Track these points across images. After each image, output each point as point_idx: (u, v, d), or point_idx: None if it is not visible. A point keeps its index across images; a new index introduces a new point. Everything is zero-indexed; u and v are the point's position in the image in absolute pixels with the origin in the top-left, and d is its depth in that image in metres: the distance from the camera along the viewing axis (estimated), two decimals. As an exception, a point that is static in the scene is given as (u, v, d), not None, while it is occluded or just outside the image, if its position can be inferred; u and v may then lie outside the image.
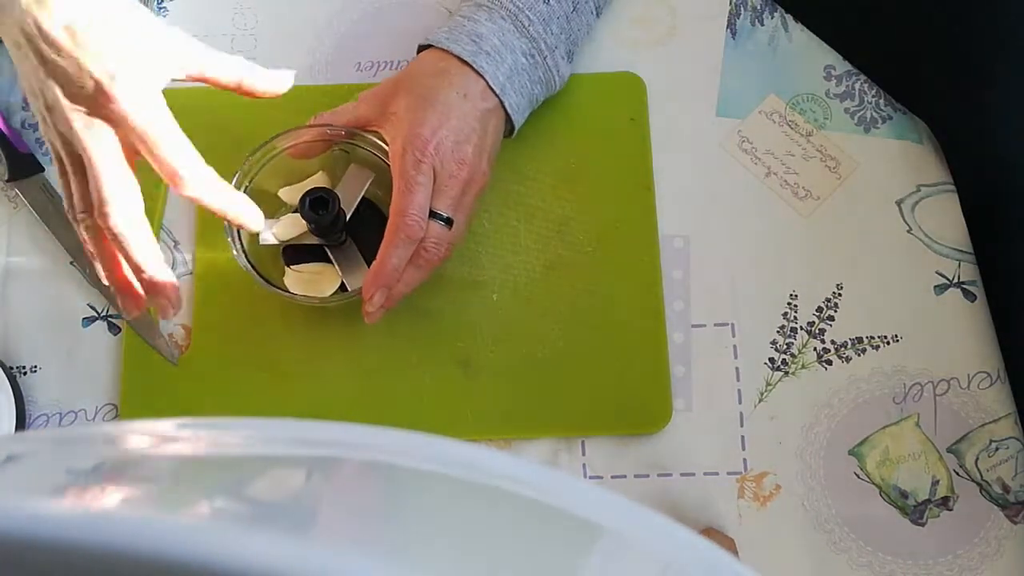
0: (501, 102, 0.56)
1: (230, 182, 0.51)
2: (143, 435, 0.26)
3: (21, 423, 0.58)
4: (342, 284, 0.58)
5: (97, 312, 0.61)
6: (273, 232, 0.58)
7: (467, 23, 0.57)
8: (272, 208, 0.59)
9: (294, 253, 0.59)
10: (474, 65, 0.55)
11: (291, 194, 0.59)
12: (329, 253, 0.59)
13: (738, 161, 0.63)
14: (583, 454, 0.59)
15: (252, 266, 0.55)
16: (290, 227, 0.58)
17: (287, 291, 0.57)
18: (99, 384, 0.60)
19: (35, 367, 0.60)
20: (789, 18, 0.65)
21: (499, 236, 0.61)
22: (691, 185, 0.63)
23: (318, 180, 0.59)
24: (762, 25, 0.65)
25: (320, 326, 0.60)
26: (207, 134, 0.63)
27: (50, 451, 0.25)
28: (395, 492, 0.25)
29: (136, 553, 0.17)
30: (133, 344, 0.60)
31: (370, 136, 0.57)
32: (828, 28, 0.65)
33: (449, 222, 0.54)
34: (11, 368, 0.60)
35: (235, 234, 0.56)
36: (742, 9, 0.65)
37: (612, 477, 0.59)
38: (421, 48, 0.59)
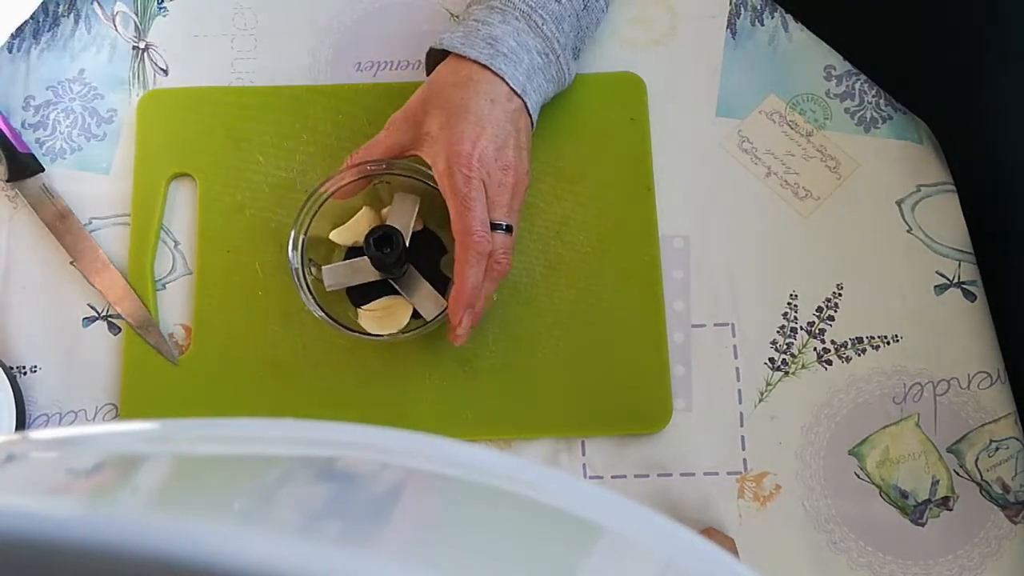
0: (524, 102, 0.56)
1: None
2: (143, 435, 0.26)
3: (21, 423, 0.58)
4: (414, 311, 0.59)
5: (97, 312, 0.61)
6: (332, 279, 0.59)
7: (481, 27, 0.56)
8: (327, 252, 0.60)
9: (359, 292, 0.59)
10: (493, 68, 0.55)
11: (342, 235, 0.59)
12: (395, 285, 0.59)
13: (738, 161, 0.63)
14: (583, 454, 0.59)
15: (328, 315, 0.55)
16: (351, 269, 0.59)
17: (366, 333, 0.57)
18: (99, 384, 0.60)
19: (35, 367, 0.60)
20: (789, 18, 0.65)
21: (499, 236, 0.61)
22: (691, 185, 0.63)
23: (365, 215, 0.60)
24: (762, 25, 0.65)
25: (320, 326, 0.60)
26: (208, 134, 0.63)
27: (50, 451, 0.25)
28: (395, 493, 0.25)
29: (136, 553, 0.17)
30: (133, 344, 0.60)
31: (407, 161, 0.57)
32: (828, 28, 0.65)
33: (509, 229, 0.55)
34: (11, 368, 0.60)
35: (305, 285, 0.56)
36: (742, 9, 0.65)
37: (612, 477, 0.59)
38: (432, 53, 0.58)
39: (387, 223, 0.57)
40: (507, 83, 0.55)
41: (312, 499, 0.24)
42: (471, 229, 0.52)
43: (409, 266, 0.59)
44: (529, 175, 0.57)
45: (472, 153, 0.53)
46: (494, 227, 0.54)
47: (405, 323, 0.58)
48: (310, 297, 0.56)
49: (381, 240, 0.55)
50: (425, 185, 0.57)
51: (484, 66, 0.55)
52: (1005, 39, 0.63)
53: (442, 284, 0.59)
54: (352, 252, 0.60)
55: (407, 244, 0.57)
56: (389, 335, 0.57)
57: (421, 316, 0.58)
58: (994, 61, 0.64)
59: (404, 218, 0.58)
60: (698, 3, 0.65)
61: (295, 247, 0.56)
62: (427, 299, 0.58)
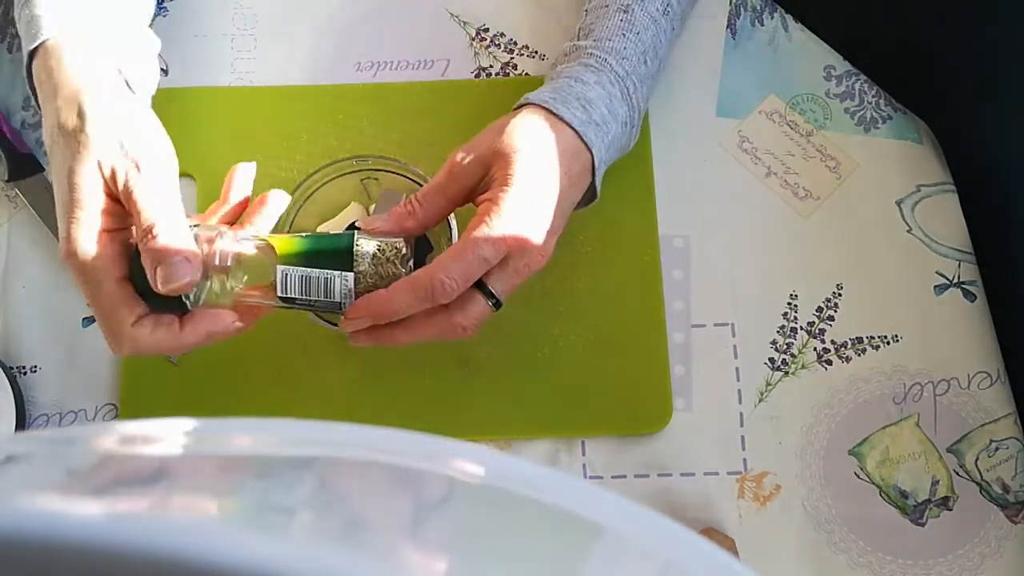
0: (593, 181, 0.53)
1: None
2: (143, 435, 0.26)
3: (21, 423, 0.58)
4: None
5: (97, 312, 0.61)
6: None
7: (575, 85, 0.53)
8: None
9: None
10: (583, 137, 0.51)
11: (329, 229, 0.59)
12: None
13: (738, 161, 0.63)
14: (583, 454, 0.59)
15: (328, 322, 0.55)
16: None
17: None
18: (99, 384, 0.60)
19: (35, 367, 0.60)
20: (789, 18, 0.65)
21: (499, 236, 0.61)
22: (691, 185, 0.63)
23: (353, 211, 0.60)
24: (762, 25, 0.65)
25: (319, 327, 0.60)
26: (208, 134, 0.63)
27: (50, 451, 0.25)
28: (394, 493, 0.25)
29: (137, 553, 0.17)
30: (133, 344, 0.60)
31: (396, 160, 0.57)
32: (828, 28, 0.65)
33: (498, 305, 0.50)
34: (11, 368, 0.60)
35: None
36: (742, 9, 0.65)
37: (612, 477, 0.59)
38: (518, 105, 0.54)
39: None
40: (592, 158, 0.52)
41: (310, 499, 0.24)
42: (448, 273, 0.47)
43: None
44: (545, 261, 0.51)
45: (536, 247, 0.49)
46: (486, 293, 0.49)
47: None
48: None
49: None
50: (413, 183, 0.57)
51: (575, 131, 0.51)
52: (1005, 39, 0.63)
53: None
54: None
55: None
56: None
57: None
58: (994, 61, 0.64)
59: None
60: (698, 3, 0.65)
61: None
62: None
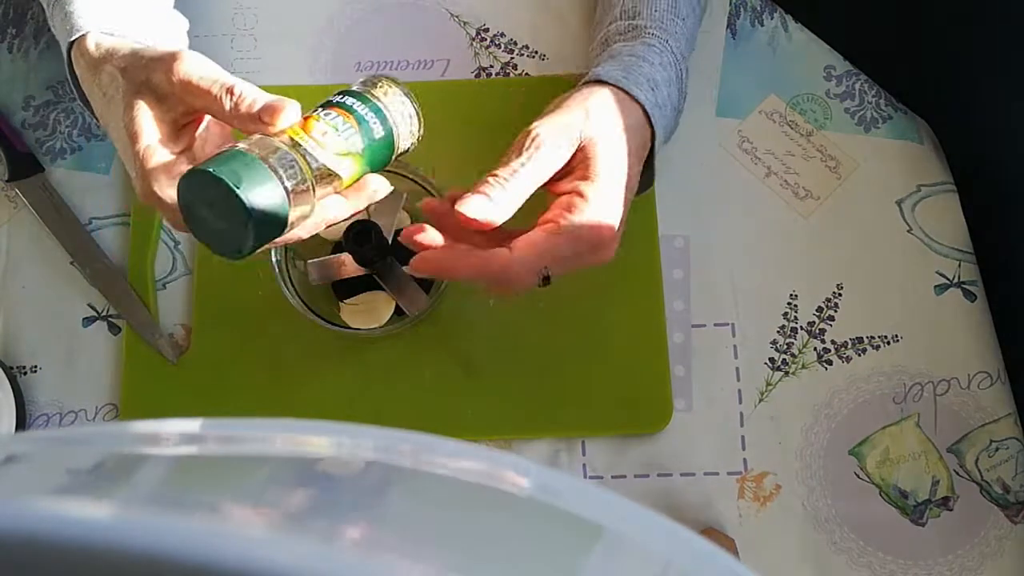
0: (651, 164, 0.52)
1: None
2: (144, 435, 0.26)
3: (21, 423, 0.58)
4: (397, 307, 0.59)
5: (97, 312, 0.61)
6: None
7: (643, 64, 0.52)
8: (316, 247, 0.60)
9: (345, 286, 0.59)
10: (652, 119, 0.51)
11: (328, 230, 0.59)
12: (378, 280, 0.59)
13: (738, 161, 0.63)
14: (583, 454, 0.59)
15: (308, 307, 0.55)
16: (336, 264, 0.58)
17: (347, 327, 0.57)
18: (99, 384, 0.60)
19: (35, 367, 0.60)
20: (789, 18, 0.65)
21: (499, 236, 0.61)
22: (691, 185, 0.63)
23: None
24: (762, 25, 0.65)
25: (319, 327, 0.60)
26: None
27: (50, 451, 0.25)
28: (395, 492, 0.25)
29: (137, 553, 0.17)
30: (133, 344, 0.60)
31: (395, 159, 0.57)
32: (828, 28, 0.65)
33: (547, 281, 0.48)
34: (11, 368, 0.60)
35: (287, 278, 0.56)
36: (742, 9, 0.65)
37: (612, 477, 0.59)
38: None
39: (371, 218, 0.57)
40: (653, 140, 0.51)
41: (309, 499, 0.24)
42: (525, 269, 0.46)
43: (394, 262, 0.59)
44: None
45: (608, 240, 0.48)
46: (542, 276, 0.48)
47: (387, 318, 0.58)
48: (289, 289, 0.56)
49: (360, 235, 0.55)
50: (413, 183, 0.57)
51: (646, 114, 0.51)
52: (1005, 39, 0.63)
53: (427, 281, 0.59)
54: (339, 247, 0.60)
55: (390, 240, 0.57)
56: (369, 330, 0.57)
57: (404, 312, 0.58)
58: (994, 61, 0.64)
59: (388, 214, 0.58)
60: (698, 3, 0.65)
61: None
62: (410, 295, 0.58)
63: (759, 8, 0.65)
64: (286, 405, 0.59)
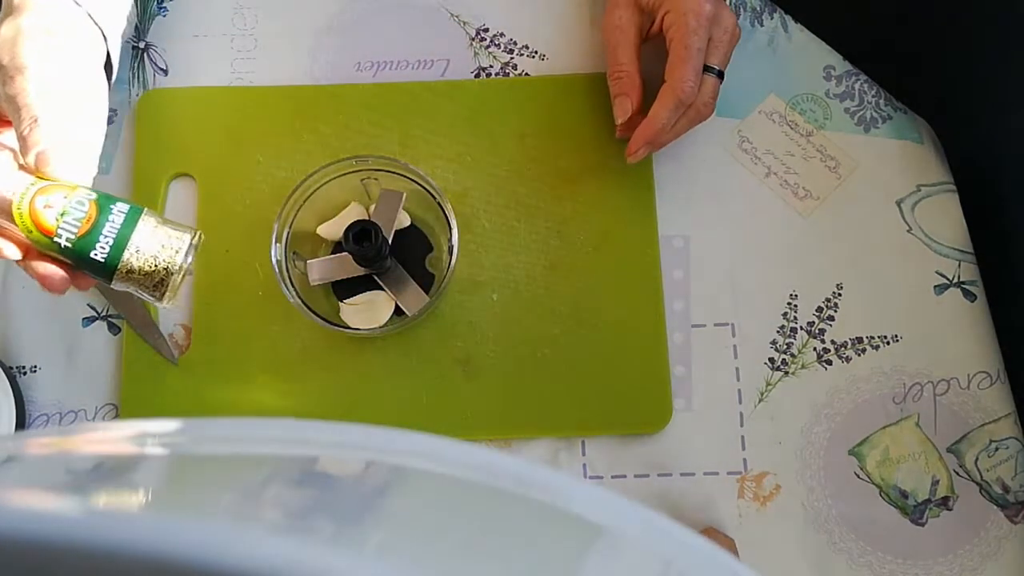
0: None
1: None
2: (143, 435, 0.26)
3: (21, 423, 0.58)
4: (396, 307, 0.59)
5: (97, 312, 0.61)
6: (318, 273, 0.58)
7: None
8: (314, 246, 0.60)
9: (345, 286, 0.59)
10: None
11: (329, 229, 0.59)
12: (378, 280, 0.59)
13: (738, 161, 0.63)
14: (583, 454, 0.59)
15: (308, 307, 0.55)
16: (336, 264, 0.58)
17: (347, 327, 0.57)
18: (99, 384, 0.60)
19: (35, 367, 0.60)
20: (789, 18, 0.65)
21: (499, 236, 0.61)
22: (691, 185, 0.63)
23: (352, 211, 0.60)
24: (762, 25, 0.65)
25: (319, 327, 0.60)
26: (207, 134, 0.63)
27: (50, 451, 0.25)
28: (395, 492, 0.25)
29: (137, 553, 0.17)
30: (133, 344, 0.60)
31: (396, 160, 0.57)
32: (828, 28, 0.65)
33: (721, 75, 0.58)
34: (11, 368, 0.60)
35: (287, 278, 0.56)
36: (742, 9, 0.65)
37: (612, 477, 0.59)
38: None
39: (370, 218, 0.57)
40: None
41: (309, 498, 0.24)
42: (684, 77, 0.56)
43: (394, 262, 0.59)
44: (739, 27, 0.59)
45: (707, 9, 0.56)
46: (708, 69, 0.57)
47: (386, 319, 0.58)
48: (290, 289, 0.56)
49: (359, 235, 0.55)
50: (413, 183, 0.57)
51: None
52: (1005, 39, 0.63)
53: (427, 281, 0.59)
54: (339, 247, 0.60)
55: (390, 240, 0.57)
56: (369, 330, 0.57)
57: (404, 312, 0.58)
58: (994, 61, 0.64)
59: (388, 214, 0.58)
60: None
61: (278, 240, 0.56)
62: (410, 295, 0.58)
63: (759, 8, 0.65)
64: (285, 405, 0.59)
